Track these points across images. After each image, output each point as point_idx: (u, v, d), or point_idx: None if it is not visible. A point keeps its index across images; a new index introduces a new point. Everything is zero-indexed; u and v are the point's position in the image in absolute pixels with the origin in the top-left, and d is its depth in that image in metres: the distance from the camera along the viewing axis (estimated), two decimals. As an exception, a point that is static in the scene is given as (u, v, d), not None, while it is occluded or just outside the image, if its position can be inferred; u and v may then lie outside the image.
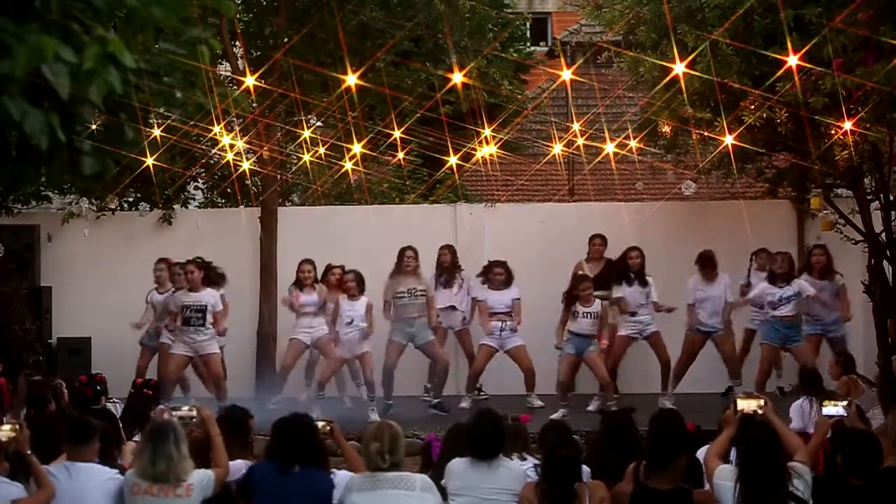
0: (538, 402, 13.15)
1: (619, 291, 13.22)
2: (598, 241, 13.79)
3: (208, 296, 12.64)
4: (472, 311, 13.76)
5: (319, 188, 15.88)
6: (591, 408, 12.79)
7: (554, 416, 11.53)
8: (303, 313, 13.09)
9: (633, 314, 13.17)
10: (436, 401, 13.06)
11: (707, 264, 13.25)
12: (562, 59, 17.65)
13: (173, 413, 6.96)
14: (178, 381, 12.99)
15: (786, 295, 12.73)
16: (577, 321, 12.73)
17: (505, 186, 19.21)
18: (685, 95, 11.17)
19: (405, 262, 12.90)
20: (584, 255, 13.98)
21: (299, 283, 13.13)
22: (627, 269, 13.25)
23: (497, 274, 13.28)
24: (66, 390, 9.90)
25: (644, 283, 13.23)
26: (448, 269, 13.65)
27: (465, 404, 13.10)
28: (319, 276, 13.34)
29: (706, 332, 13.28)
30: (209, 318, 12.55)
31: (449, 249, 13.75)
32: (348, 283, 12.74)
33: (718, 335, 13.28)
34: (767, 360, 12.95)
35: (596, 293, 12.96)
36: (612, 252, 13.75)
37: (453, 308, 13.72)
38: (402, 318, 12.83)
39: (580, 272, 13.44)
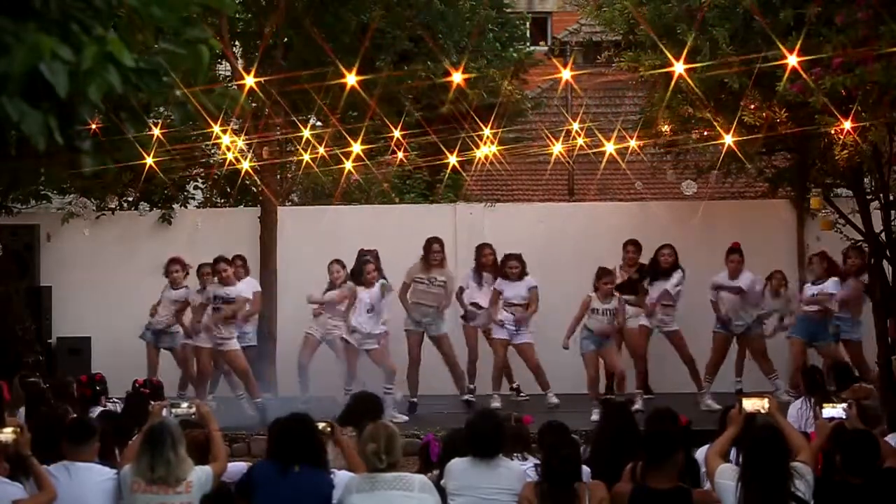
0: (554, 400, 13.07)
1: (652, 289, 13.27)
2: (631, 248, 13.57)
3: (239, 289, 12.86)
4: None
5: (338, 189, 15.96)
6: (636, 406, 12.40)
7: (594, 418, 11.68)
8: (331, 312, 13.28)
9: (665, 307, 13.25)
10: (465, 397, 13.24)
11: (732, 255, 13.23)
12: (554, 60, 17.61)
13: (172, 410, 6.96)
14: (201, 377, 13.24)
15: (817, 291, 12.75)
16: (593, 317, 12.72)
17: (504, 186, 19.23)
18: (697, 90, 11.14)
19: (432, 254, 13.12)
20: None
21: (332, 285, 13.29)
22: (658, 266, 13.25)
23: (512, 268, 13.21)
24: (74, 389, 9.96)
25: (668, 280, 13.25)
26: (490, 268, 13.49)
27: (496, 404, 12.86)
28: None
29: (731, 330, 13.27)
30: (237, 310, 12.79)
31: (492, 248, 13.59)
32: (370, 272, 12.87)
33: (746, 336, 13.29)
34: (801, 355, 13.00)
35: (626, 297, 13.05)
36: (612, 252, 13.74)
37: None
38: (416, 304, 13.05)
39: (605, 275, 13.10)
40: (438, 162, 15.07)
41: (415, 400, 13.20)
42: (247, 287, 13.31)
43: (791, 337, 13.11)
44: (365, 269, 12.95)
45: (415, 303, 13.10)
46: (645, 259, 13.58)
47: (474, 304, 13.50)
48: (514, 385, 13.81)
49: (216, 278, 12.87)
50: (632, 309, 13.21)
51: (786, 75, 9.97)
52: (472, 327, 13.61)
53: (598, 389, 12.80)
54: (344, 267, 13.27)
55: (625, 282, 13.33)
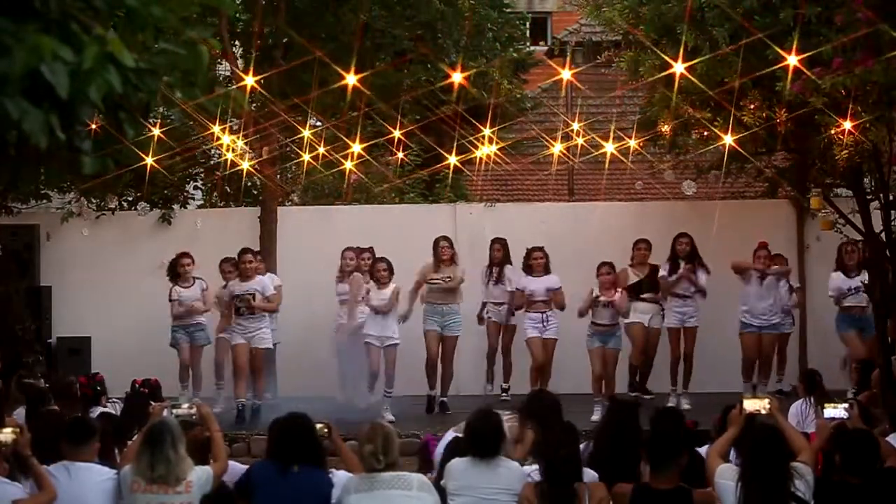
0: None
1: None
2: (642, 246, 13.58)
3: (257, 283, 12.84)
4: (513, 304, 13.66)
5: (348, 189, 15.99)
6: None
7: (594, 417, 11.62)
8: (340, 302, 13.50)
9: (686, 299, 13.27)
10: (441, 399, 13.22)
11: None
12: (551, 62, 17.64)
13: (173, 411, 6.97)
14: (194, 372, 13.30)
15: (855, 285, 12.81)
16: (597, 311, 12.76)
17: (504, 186, 19.21)
18: (702, 86, 11.11)
19: (441, 251, 13.18)
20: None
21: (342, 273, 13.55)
22: (676, 255, 13.32)
23: (537, 258, 13.28)
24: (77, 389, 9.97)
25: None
26: (500, 264, 13.56)
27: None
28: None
29: (759, 328, 13.35)
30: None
31: (501, 243, 13.64)
32: (381, 270, 12.84)
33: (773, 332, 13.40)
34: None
35: (644, 296, 13.20)
36: (613, 252, 13.73)
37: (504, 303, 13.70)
38: (433, 304, 13.13)
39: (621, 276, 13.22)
40: (440, 165, 15.07)
41: (433, 394, 13.22)
42: (269, 282, 13.20)
43: (844, 332, 13.15)
44: (376, 267, 12.97)
45: (431, 303, 13.17)
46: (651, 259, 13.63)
47: (491, 302, 13.55)
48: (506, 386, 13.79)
49: (237, 274, 12.87)
50: (651, 307, 13.28)
51: (789, 76, 9.95)
52: (494, 323, 13.64)
53: (601, 387, 12.79)
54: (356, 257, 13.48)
55: (644, 279, 13.35)
